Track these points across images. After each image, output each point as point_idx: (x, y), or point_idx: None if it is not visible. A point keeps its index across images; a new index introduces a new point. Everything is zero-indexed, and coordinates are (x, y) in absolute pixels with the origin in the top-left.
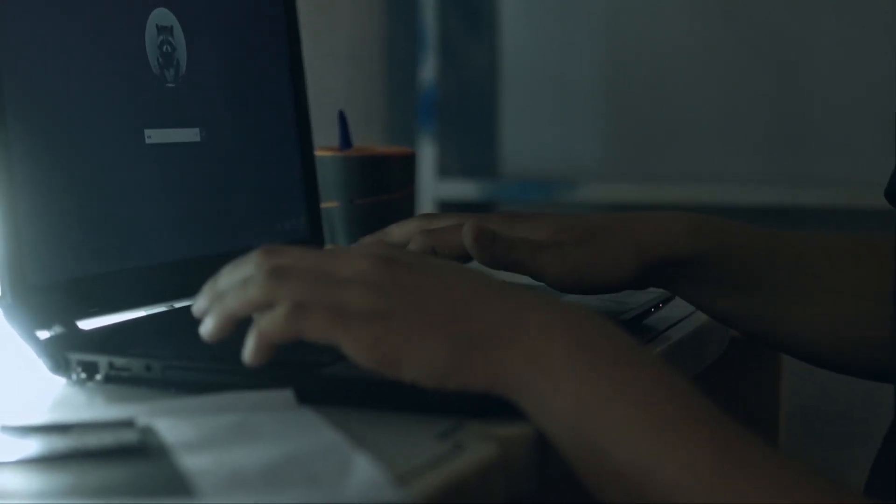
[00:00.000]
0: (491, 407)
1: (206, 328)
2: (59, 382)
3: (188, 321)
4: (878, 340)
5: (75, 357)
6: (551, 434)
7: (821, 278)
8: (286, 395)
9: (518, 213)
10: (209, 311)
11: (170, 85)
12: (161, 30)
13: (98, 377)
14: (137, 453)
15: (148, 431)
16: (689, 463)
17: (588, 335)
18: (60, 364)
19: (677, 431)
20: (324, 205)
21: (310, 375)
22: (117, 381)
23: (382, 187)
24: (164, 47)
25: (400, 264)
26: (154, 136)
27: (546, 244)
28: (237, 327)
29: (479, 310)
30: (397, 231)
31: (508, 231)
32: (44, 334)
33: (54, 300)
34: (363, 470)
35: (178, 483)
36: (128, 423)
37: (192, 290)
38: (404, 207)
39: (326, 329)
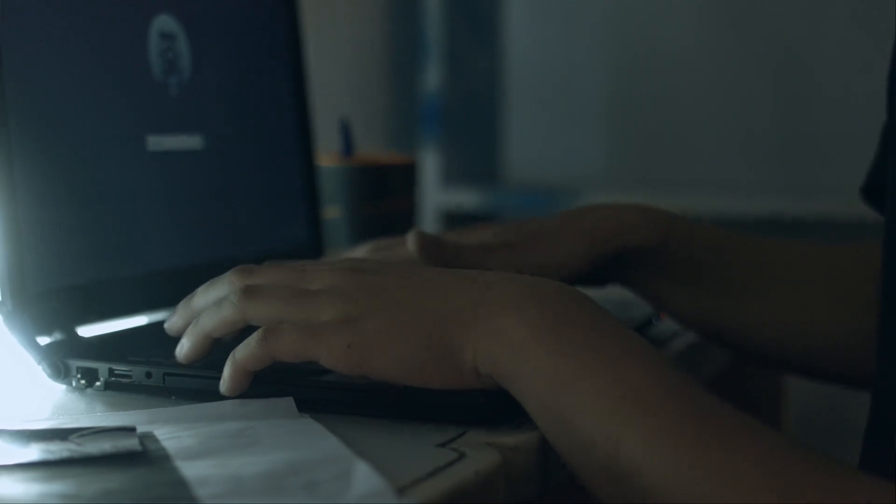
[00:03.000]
0: (493, 415)
1: (182, 350)
2: (59, 389)
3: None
4: (831, 345)
5: (75, 364)
6: (528, 408)
7: (776, 280)
8: (287, 402)
9: (471, 226)
10: (185, 332)
11: (172, 92)
12: (164, 37)
13: (98, 384)
14: (137, 460)
15: (148, 438)
16: (657, 432)
17: (558, 307)
18: (60, 370)
19: (647, 401)
20: (325, 213)
21: (310, 383)
22: (117, 388)
23: (384, 196)
24: (168, 54)
25: (364, 270)
26: (156, 143)
27: (495, 246)
28: (212, 347)
29: (445, 296)
30: (353, 254)
31: (458, 239)
32: (44, 340)
33: (54, 306)
34: (364, 478)
35: (178, 490)
36: (128, 430)
37: None
38: (406, 216)
39: (299, 345)
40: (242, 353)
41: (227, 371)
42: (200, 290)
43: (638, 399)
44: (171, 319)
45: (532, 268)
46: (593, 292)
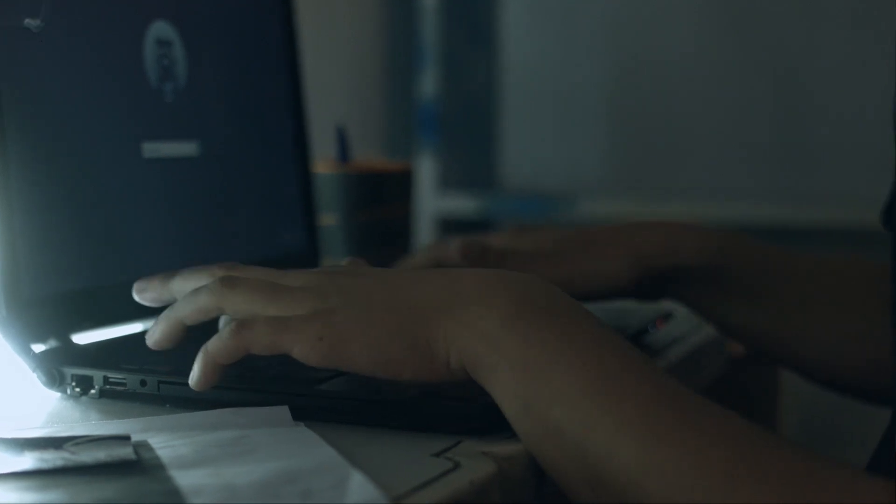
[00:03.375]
0: (488, 425)
1: (154, 334)
2: (54, 397)
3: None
4: (874, 362)
5: (70, 371)
6: (498, 398)
7: (823, 296)
8: (282, 411)
9: (527, 226)
10: (159, 317)
11: (168, 99)
12: (160, 44)
13: (93, 391)
14: (131, 469)
15: (142, 447)
16: (629, 416)
17: (527, 297)
18: (55, 378)
19: (618, 387)
20: (322, 220)
21: (305, 391)
22: (112, 396)
23: (381, 202)
24: (163, 61)
25: (341, 272)
26: (152, 149)
27: (541, 253)
28: (182, 335)
29: (416, 289)
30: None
31: (512, 244)
32: (38, 348)
33: (49, 313)
34: (359, 488)
35: (173, 499)
36: (122, 438)
37: None
38: (402, 222)
39: (271, 338)
40: (214, 344)
41: (197, 364)
42: (180, 274)
43: (609, 385)
44: (143, 291)
45: (573, 276)
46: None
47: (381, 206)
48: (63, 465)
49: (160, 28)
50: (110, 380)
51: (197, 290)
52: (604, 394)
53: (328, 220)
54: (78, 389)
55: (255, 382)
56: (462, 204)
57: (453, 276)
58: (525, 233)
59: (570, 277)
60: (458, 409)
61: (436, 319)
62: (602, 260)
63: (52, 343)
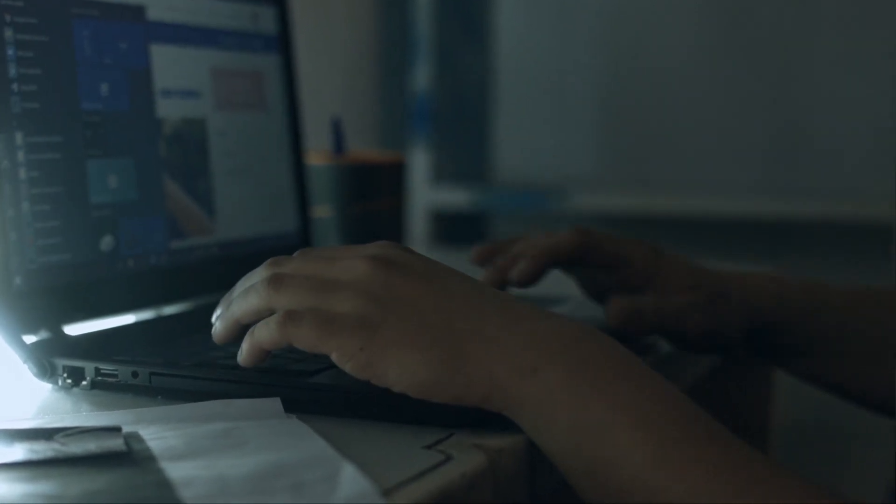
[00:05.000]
0: (479, 417)
1: (215, 331)
2: (45, 388)
3: (176, 328)
4: None
5: (61, 362)
6: (548, 450)
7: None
8: (273, 403)
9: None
10: (219, 315)
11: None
12: None
13: (84, 383)
14: (122, 460)
15: (133, 438)
16: (697, 485)
17: (588, 351)
18: (46, 369)
19: (684, 452)
20: (316, 211)
21: (297, 384)
22: (103, 388)
23: (373, 194)
24: None
25: (397, 269)
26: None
27: (685, 308)
28: (242, 332)
29: (472, 321)
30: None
31: (661, 301)
32: (30, 339)
33: (41, 305)
34: (350, 480)
35: (163, 491)
36: (113, 430)
37: (180, 297)
38: (395, 215)
39: (314, 338)
40: (260, 332)
41: (244, 346)
42: (240, 280)
43: (677, 449)
44: (216, 311)
45: (713, 332)
46: None
47: (373, 198)
48: (53, 456)
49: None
50: (102, 371)
51: (247, 291)
52: (675, 458)
53: (321, 211)
54: (69, 381)
55: (246, 374)
56: (455, 197)
57: (511, 317)
58: (674, 276)
59: (712, 334)
60: (451, 403)
61: (486, 359)
62: (729, 317)
63: (44, 334)
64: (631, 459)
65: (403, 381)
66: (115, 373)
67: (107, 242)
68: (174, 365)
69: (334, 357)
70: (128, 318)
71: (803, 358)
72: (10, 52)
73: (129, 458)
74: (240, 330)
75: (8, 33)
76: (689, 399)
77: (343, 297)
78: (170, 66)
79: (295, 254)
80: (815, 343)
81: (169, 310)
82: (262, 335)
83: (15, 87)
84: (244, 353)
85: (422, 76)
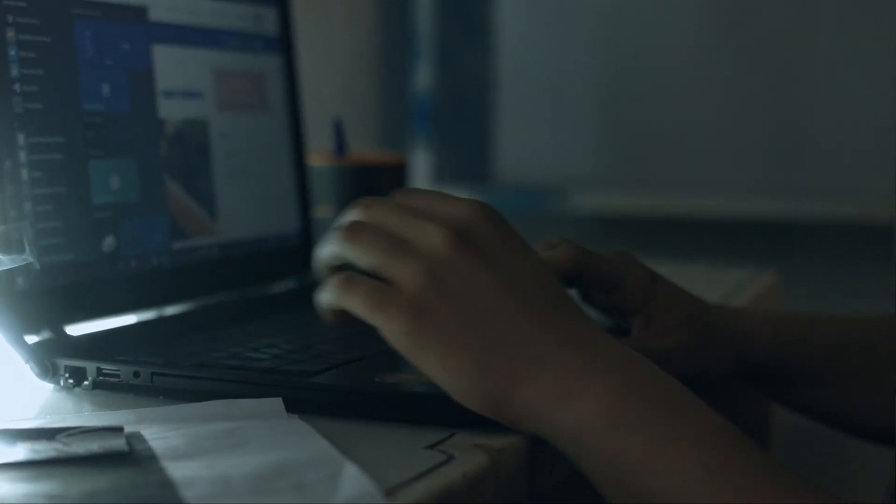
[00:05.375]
0: (481, 418)
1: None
2: (47, 388)
3: (178, 328)
4: None
5: (63, 363)
6: (589, 476)
7: (886, 364)
8: (275, 403)
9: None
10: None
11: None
12: None
13: (86, 383)
14: (124, 460)
15: (135, 438)
16: None
17: (633, 379)
18: (48, 369)
19: (735, 482)
20: (317, 212)
21: (299, 384)
22: (105, 388)
23: (374, 195)
24: None
25: (471, 249)
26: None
27: (672, 350)
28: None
29: (522, 332)
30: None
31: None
32: (32, 339)
33: (43, 305)
34: (352, 480)
35: (165, 491)
36: (115, 430)
37: (181, 297)
38: None
39: (366, 308)
40: (322, 296)
41: (319, 304)
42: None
43: (727, 479)
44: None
45: (696, 369)
46: None
47: None
48: (55, 456)
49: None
50: (103, 371)
51: (332, 233)
52: (724, 488)
53: (323, 212)
54: (71, 381)
55: (248, 374)
56: None
57: (564, 333)
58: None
59: (695, 369)
60: (451, 402)
61: (524, 383)
62: (718, 353)
63: (46, 334)
64: (681, 487)
65: (439, 377)
66: (117, 373)
67: (108, 243)
68: (176, 365)
69: (383, 332)
70: (129, 319)
71: (796, 390)
72: (13, 52)
73: (131, 457)
74: (329, 270)
75: (10, 34)
76: (735, 428)
77: (406, 264)
78: (172, 66)
79: (392, 196)
80: (810, 375)
81: (170, 310)
82: (325, 298)
83: (17, 87)
84: (322, 315)
85: (423, 77)
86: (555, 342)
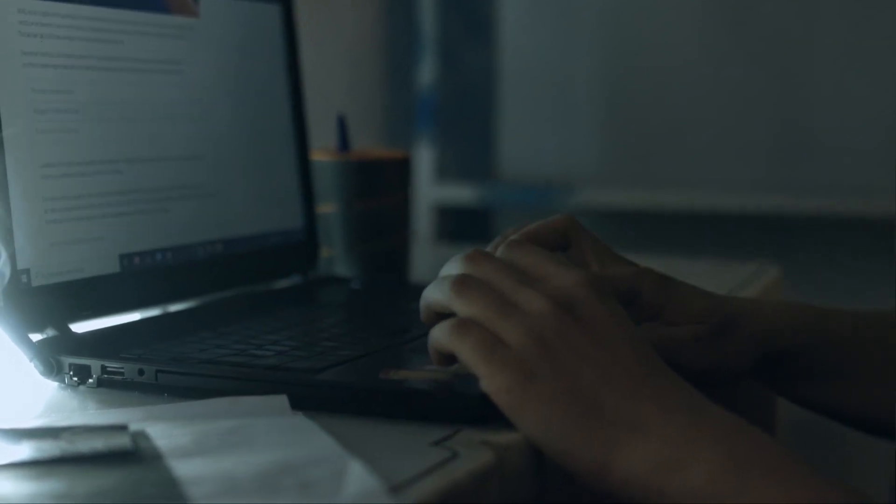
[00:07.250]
0: (486, 414)
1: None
2: (51, 386)
3: (182, 325)
4: None
5: (68, 360)
6: None
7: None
8: (280, 400)
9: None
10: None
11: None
12: None
13: (90, 381)
14: (129, 458)
15: (140, 436)
16: None
17: (738, 448)
18: (52, 367)
19: None
20: (320, 208)
21: (304, 381)
22: (110, 385)
23: (378, 191)
24: None
25: (576, 320)
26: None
27: (688, 342)
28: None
29: (626, 400)
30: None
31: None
32: (36, 337)
33: (47, 303)
34: (358, 477)
35: (171, 489)
36: (120, 428)
37: (185, 294)
38: (400, 211)
39: (472, 358)
40: (434, 335)
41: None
42: (448, 261)
43: None
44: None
45: (715, 363)
46: None
47: (379, 194)
48: (60, 454)
49: None
50: (108, 369)
51: (439, 282)
52: None
53: (326, 208)
54: (76, 379)
55: (253, 372)
56: (460, 193)
57: (667, 403)
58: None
59: (715, 365)
60: (456, 399)
61: (627, 451)
62: (737, 347)
63: (50, 332)
64: None
65: (539, 439)
66: (122, 370)
67: (113, 239)
68: (180, 362)
69: (482, 384)
70: (134, 316)
71: (812, 383)
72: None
73: (135, 456)
74: (434, 316)
75: None
76: (843, 485)
77: (513, 325)
78: None
79: (502, 243)
80: (828, 368)
81: (175, 307)
82: (436, 338)
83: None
84: (432, 353)
85: (426, 73)
86: (659, 410)
